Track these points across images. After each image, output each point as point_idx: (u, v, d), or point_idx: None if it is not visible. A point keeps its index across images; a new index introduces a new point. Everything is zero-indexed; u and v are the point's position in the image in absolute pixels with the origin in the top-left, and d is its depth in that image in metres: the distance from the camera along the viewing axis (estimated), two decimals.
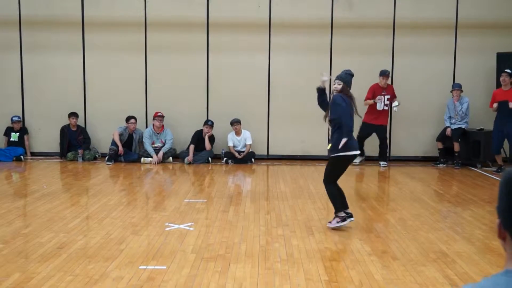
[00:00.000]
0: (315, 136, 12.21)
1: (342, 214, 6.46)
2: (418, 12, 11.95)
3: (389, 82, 11.64)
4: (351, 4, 11.97)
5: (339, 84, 6.49)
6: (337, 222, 6.46)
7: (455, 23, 11.97)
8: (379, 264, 5.27)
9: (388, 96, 11.46)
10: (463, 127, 11.41)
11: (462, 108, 11.35)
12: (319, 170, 11.16)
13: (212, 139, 11.83)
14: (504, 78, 10.54)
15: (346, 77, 6.55)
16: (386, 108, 11.50)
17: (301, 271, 5.02)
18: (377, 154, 11.77)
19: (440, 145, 11.64)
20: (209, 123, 11.73)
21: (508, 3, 11.91)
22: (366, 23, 11.98)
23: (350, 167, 11.18)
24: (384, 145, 11.63)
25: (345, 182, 9.72)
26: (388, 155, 11.83)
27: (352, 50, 11.99)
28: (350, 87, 6.55)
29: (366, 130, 11.50)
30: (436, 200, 8.48)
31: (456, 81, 11.82)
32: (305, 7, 11.97)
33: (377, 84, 11.49)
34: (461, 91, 11.45)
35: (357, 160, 11.49)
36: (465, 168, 11.29)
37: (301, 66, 12.05)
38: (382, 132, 11.57)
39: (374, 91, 11.44)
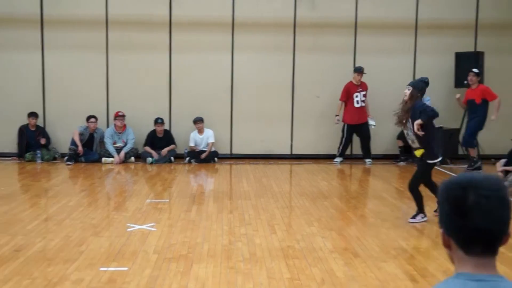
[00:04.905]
0: (278, 135, 12.26)
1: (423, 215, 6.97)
2: (379, 12, 12.10)
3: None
4: (314, 3, 12.05)
5: (409, 90, 6.74)
6: (422, 218, 6.88)
7: (415, 23, 12.18)
8: (340, 261, 5.32)
9: (364, 92, 11.58)
10: None
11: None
12: (282, 168, 11.22)
13: (168, 134, 11.77)
14: (471, 77, 10.78)
15: (417, 84, 6.84)
16: (363, 104, 11.61)
17: (264, 270, 5.03)
18: (352, 152, 11.98)
19: (400, 143, 11.80)
20: (159, 121, 11.64)
21: (467, 3, 12.17)
22: (329, 22, 12.07)
23: (315, 165, 11.37)
24: (368, 142, 11.75)
25: (307, 180, 9.81)
26: (345, 153, 11.95)
27: (315, 49, 12.07)
28: (422, 93, 6.78)
29: (350, 132, 11.64)
30: (397, 197, 8.61)
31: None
32: (268, 6, 11.98)
33: (351, 82, 11.58)
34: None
35: (337, 160, 11.64)
36: None
37: (264, 66, 12.06)
38: (366, 130, 11.68)
39: (349, 90, 11.52)
